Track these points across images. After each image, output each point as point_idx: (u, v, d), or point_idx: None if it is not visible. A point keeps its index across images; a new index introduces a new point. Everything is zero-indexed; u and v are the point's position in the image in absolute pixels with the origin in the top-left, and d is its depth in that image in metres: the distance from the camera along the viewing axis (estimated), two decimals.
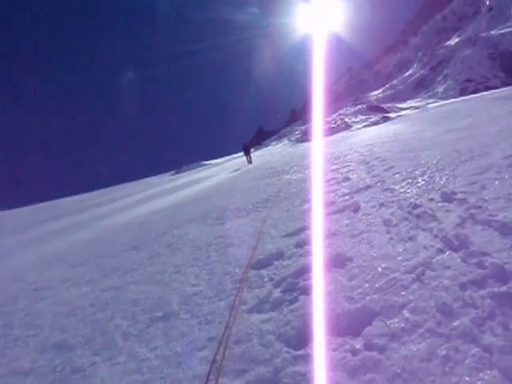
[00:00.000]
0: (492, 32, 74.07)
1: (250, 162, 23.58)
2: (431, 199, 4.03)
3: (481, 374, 1.62)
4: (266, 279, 3.37)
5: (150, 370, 2.50)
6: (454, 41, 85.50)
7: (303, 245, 3.93)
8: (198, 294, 3.53)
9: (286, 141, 50.07)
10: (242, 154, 29.26)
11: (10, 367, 3.20)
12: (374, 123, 33.37)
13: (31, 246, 12.92)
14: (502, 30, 73.05)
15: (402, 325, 2.08)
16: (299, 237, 4.24)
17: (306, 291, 2.88)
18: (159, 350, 2.72)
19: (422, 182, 4.79)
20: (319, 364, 2.01)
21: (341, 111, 51.56)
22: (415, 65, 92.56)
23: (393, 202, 4.38)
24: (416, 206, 3.92)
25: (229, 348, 2.45)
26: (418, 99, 65.49)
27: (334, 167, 8.68)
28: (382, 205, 4.40)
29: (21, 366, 3.15)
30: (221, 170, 27.36)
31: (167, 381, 2.31)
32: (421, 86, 77.75)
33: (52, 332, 3.75)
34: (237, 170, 20.92)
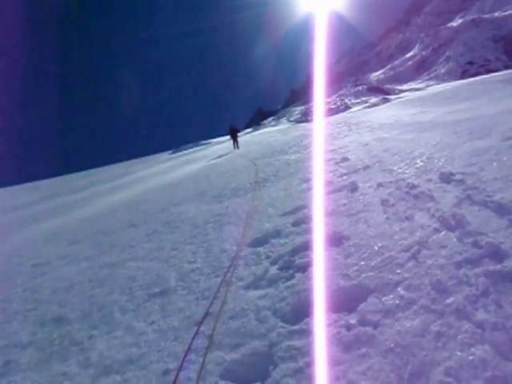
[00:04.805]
0: (496, 14, 72.80)
1: (237, 147, 21.72)
2: (429, 180, 4.02)
3: (472, 349, 1.65)
4: (262, 257, 3.39)
5: (147, 344, 2.54)
6: (457, 22, 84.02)
7: (300, 223, 3.94)
8: (195, 270, 3.56)
9: (285, 121, 49.68)
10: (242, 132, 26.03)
11: (9, 340, 3.25)
12: (374, 104, 33.12)
13: (30, 223, 12.95)
14: (505, 11, 71.77)
15: (397, 301, 2.11)
16: (296, 215, 4.25)
17: (302, 268, 2.90)
18: (156, 325, 2.75)
19: (421, 163, 4.77)
20: (314, 339, 2.05)
21: (341, 92, 51.07)
22: (417, 46, 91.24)
23: (391, 182, 4.37)
24: (414, 187, 3.92)
25: (225, 323, 2.48)
26: (419, 81, 64.80)
27: (332, 148, 8.62)
28: (379, 185, 4.39)
29: (20, 339, 3.20)
30: (219, 150, 27.16)
31: (164, 354, 2.35)
32: (422, 68, 76.90)
33: (50, 306, 3.79)
34: (235, 150, 20.75)
